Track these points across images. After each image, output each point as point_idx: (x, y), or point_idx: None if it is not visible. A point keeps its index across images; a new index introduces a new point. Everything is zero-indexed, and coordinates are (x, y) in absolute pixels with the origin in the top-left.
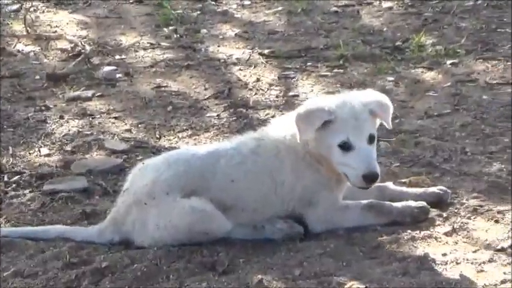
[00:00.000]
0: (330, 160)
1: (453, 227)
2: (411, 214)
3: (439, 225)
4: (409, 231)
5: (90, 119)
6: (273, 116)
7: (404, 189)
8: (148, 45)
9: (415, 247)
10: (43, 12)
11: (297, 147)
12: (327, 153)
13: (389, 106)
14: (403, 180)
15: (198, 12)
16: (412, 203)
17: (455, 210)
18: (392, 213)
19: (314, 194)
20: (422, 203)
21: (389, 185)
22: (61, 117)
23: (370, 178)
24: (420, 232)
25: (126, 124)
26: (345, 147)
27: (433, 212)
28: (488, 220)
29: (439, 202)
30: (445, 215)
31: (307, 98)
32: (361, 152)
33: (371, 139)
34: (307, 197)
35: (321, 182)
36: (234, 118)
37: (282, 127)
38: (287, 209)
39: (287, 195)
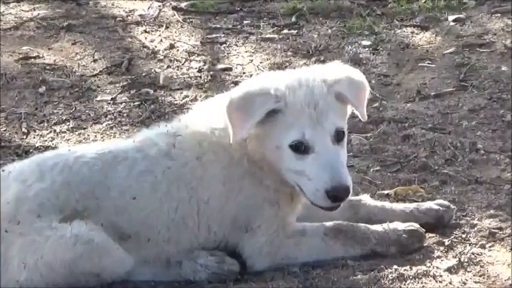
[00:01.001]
0: (277, 167)
1: (459, 260)
2: (398, 241)
3: (439, 257)
4: (395, 266)
5: None
6: (193, 100)
7: (388, 205)
8: None
9: None
10: None
11: (230, 147)
12: (274, 157)
13: (365, 86)
14: (385, 192)
15: None
16: (398, 226)
17: (463, 236)
18: (370, 240)
19: (254, 214)
20: (414, 225)
21: (366, 199)
22: None
23: (336, 195)
24: (411, 268)
25: None
26: (300, 148)
27: (430, 238)
28: (510, 249)
29: (438, 223)
30: (447, 242)
31: (243, 75)
32: (324, 156)
33: (338, 136)
34: (244, 220)
35: (264, 198)
36: (136, 103)
37: (207, 117)
38: (215, 238)
39: (214, 217)
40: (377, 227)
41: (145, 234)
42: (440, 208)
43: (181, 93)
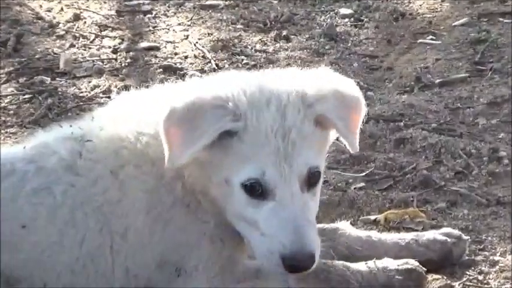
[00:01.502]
0: (222, 207)
1: None
2: (388, 286)
3: None
4: None
5: None
6: (106, 92)
7: (376, 235)
8: None
9: None
10: None
11: (161, 162)
12: (219, 193)
13: (360, 106)
14: (372, 218)
15: None
16: (389, 264)
17: (479, 278)
18: (351, 284)
19: (188, 253)
20: (411, 263)
21: (345, 227)
22: None
23: (294, 264)
24: None
25: None
26: (256, 191)
27: (434, 282)
28: None
29: (445, 261)
30: (458, 286)
31: (175, 56)
32: (286, 208)
33: (311, 179)
34: (174, 260)
35: (202, 232)
36: (27, 96)
37: (131, 116)
38: (136, 284)
39: (134, 255)
40: (360, 266)
41: (40, 278)
42: (448, 239)
43: (90, 82)
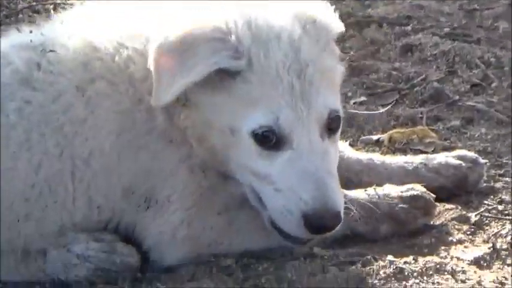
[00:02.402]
0: (225, 158)
1: (494, 246)
2: (391, 215)
3: (460, 242)
4: (389, 257)
5: None
6: None
7: (378, 158)
8: None
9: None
10: None
11: (143, 83)
12: (223, 143)
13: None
14: (375, 137)
15: None
16: (392, 190)
17: (499, 207)
18: (347, 214)
19: (160, 182)
20: (416, 189)
21: (343, 149)
22: None
23: (319, 224)
24: (416, 260)
25: None
26: (269, 140)
27: (447, 212)
28: None
29: (459, 188)
30: (474, 218)
31: None
32: (306, 158)
33: (332, 125)
34: (144, 189)
35: (180, 159)
36: None
37: (113, 22)
38: (98, 217)
39: (98, 184)
40: (358, 194)
41: None
42: (463, 163)
43: None
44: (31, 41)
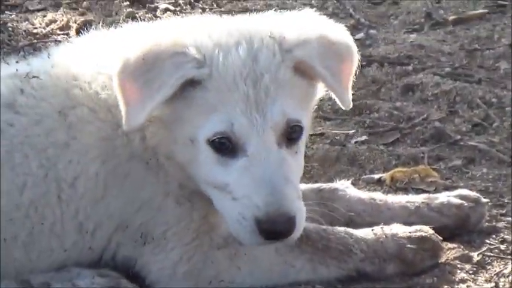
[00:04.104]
0: (191, 172)
1: (496, 285)
2: (398, 256)
3: (462, 281)
4: None
5: None
6: (64, 28)
7: (380, 197)
8: None
9: None
10: None
11: (118, 112)
12: (186, 156)
13: (351, 54)
14: (376, 176)
15: None
16: (399, 230)
17: (501, 247)
18: (353, 253)
19: (152, 216)
20: (424, 230)
21: (345, 188)
22: None
23: (270, 228)
24: None
25: None
26: (224, 148)
27: (450, 251)
28: None
29: (462, 227)
30: (476, 257)
31: None
32: (259, 164)
33: (291, 134)
34: (139, 224)
35: (166, 192)
36: None
37: (89, 54)
38: (92, 244)
39: (87, 210)
40: (365, 233)
41: None
42: (465, 203)
43: (45, 16)
44: (17, 70)
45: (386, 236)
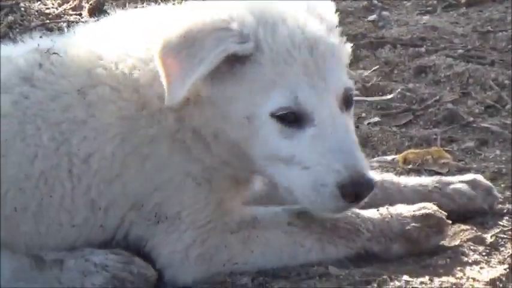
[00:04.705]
0: (244, 151)
1: (509, 266)
2: (403, 234)
3: (476, 263)
4: (404, 277)
5: None
6: (76, 8)
7: (391, 179)
8: None
9: None
10: None
11: (148, 90)
12: (241, 135)
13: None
14: (388, 158)
15: None
16: (403, 209)
17: None
18: (360, 233)
19: (169, 195)
20: (428, 207)
21: None
22: None
23: (356, 191)
24: (431, 281)
25: None
26: (288, 120)
27: (464, 233)
28: None
29: (473, 213)
30: (489, 238)
31: None
32: (331, 131)
33: (348, 101)
34: (153, 203)
35: (188, 172)
36: None
37: (117, 35)
38: (104, 222)
39: (100, 187)
40: (371, 213)
41: None
42: (478, 195)
43: None
44: (38, 45)
45: (391, 216)
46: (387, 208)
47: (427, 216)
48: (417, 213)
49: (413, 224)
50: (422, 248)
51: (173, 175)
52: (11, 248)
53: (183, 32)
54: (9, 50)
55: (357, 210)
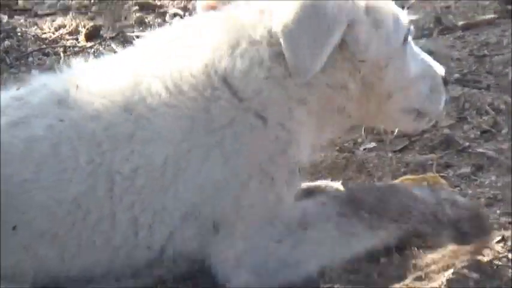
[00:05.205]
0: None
1: None
2: (454, 222)
3: None
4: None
5: None
6: (73, 33)
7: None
8: None
9: None
10: None
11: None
12: (403, 93)
13: None
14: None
15: None
16: (458, 198)
17: (510, 255)
18: (411, 215)
19: (230, 197)
20: (478, 207)
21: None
22: None
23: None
24: None
25: None
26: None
27: (458, 257)
28: None
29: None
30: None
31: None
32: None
33: None
34: (210, 209)
35: (254, 163)
36: None
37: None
38: (147, 241)
39: (146, 201)
40: (426, 194)
41: (10, 219)
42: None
43: (54, 21)
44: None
45: (446, 202)
46: (443, 191)
47: (479, 214)
48: (471, 208)
49: (466, 217)
50: (469, 243)
51: (239, 170)
52: (11, 278)
53: (301, 5)
54: (46, 78)
55: (410, 189)
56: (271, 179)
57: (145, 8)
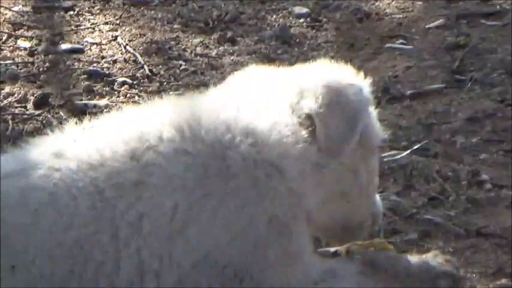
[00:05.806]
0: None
1: None
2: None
3: None
4: None
5: None
6: (21, 101)
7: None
8: None
9: None
10: None
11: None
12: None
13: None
14: (331, 249)
15: None
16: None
17: None
18: (415, 276)
19: (260, 254)
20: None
21: None
22: None
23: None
24: None
25: None
26: None
27: None
28: None
29: None
30: None
31: (102, 60)
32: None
33: None
34: (227, 260)
35: (271, 213)
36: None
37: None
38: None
39: (153, 247)
40: (417, 260)
41: (9, 260)
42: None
43: (2, 89)
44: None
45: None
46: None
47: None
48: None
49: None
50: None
51: (254, 220)
52: None
53: (326, 90)
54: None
55: (408, 258)
56: (291, 234)
57: (93, 76)
